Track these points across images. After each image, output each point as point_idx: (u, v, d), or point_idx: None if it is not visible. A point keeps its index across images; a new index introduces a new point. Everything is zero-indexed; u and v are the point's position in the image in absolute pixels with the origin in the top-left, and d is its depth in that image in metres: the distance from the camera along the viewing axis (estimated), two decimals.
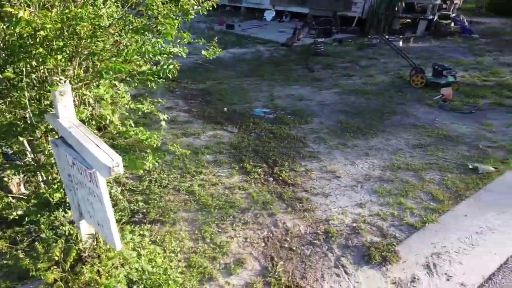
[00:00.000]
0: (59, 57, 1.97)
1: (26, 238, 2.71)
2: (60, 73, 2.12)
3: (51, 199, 2.53)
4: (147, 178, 3.81)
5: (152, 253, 2.66)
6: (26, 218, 2.57)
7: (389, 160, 4.35)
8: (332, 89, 7.12)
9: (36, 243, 2.40)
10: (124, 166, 2.09)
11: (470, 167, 4.17)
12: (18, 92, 2.13)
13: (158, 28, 2.25)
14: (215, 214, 3.31)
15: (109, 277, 2.30)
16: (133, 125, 2.61)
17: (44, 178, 2.67)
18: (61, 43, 1.90)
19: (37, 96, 2.29)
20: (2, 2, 1.84)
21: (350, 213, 3.39)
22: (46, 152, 2.46)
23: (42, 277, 2.21)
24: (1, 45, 2.03)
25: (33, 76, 2.16)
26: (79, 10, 1.85)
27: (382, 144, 4.77)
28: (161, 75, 2.35)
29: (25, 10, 1.69)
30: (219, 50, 2.72)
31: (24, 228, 2.79)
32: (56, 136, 2.25)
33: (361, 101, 6.48)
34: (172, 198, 3.54)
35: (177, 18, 2.37)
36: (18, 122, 2.32)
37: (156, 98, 3.04)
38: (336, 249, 2.95)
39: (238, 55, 9.87)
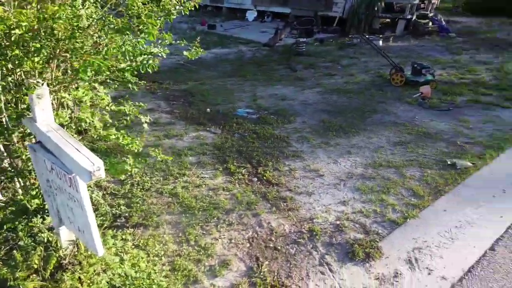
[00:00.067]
0: (36, 59, 1.92)
1: (3, 247, 2.62)
2: (37, 76, 2.07)
3: (29, 206, 2.47)
4: (129, 182, 3.75)
5: (135, 258, 2.62)
6: (4, 226, 2.49)
7: (371, 158, 4.42)
8: (314, 89, 7.18)
9: (14, 251, 2.33)
10: (105, 170, 2.06)
11: (449, 163, 4.28)
12: None
13: (140, 27, 2.22)
14: (199, 216, 3.29)
15: (91, 284, 2.26)
16: (113, 128, 2.57)
17: (22, 184, 2.60)
18: (38, 45, 1.86)
19: (14, 100, 2.23)
20: None
21: (333, 211, 3.43)
22: (24, 157, 2.39)
23: (21, 286, 2.14)
24: None
25: (9, 79, 2.10)
26: (56, 8, 1.81)
27: (363, 142, 4.84)
28: (141, 70, 2.32)
29: None
30: (201, 50, 2.70)
31: (1, 236, 2.70)
32: (34, 141, 2.19)
33: (343, 100, 6.56)
34: (155, 201, 3.50)
35: (159, 18, 2.35)
36: None
37: (137, 100, 2.99)
38: (320, 247, 2.98)
39: (220, 55, 9.83)
